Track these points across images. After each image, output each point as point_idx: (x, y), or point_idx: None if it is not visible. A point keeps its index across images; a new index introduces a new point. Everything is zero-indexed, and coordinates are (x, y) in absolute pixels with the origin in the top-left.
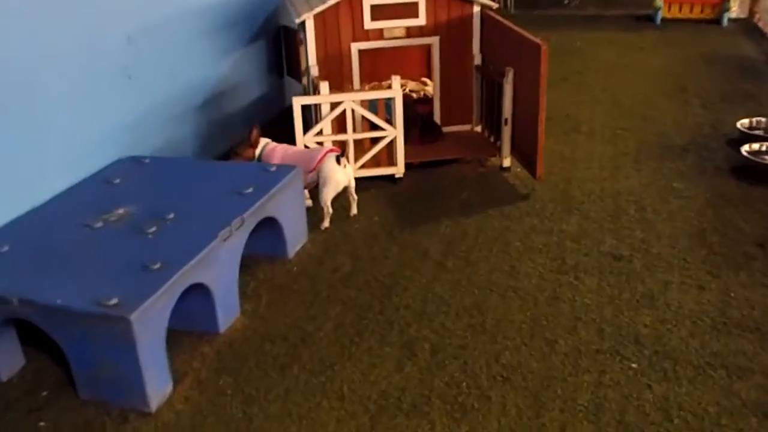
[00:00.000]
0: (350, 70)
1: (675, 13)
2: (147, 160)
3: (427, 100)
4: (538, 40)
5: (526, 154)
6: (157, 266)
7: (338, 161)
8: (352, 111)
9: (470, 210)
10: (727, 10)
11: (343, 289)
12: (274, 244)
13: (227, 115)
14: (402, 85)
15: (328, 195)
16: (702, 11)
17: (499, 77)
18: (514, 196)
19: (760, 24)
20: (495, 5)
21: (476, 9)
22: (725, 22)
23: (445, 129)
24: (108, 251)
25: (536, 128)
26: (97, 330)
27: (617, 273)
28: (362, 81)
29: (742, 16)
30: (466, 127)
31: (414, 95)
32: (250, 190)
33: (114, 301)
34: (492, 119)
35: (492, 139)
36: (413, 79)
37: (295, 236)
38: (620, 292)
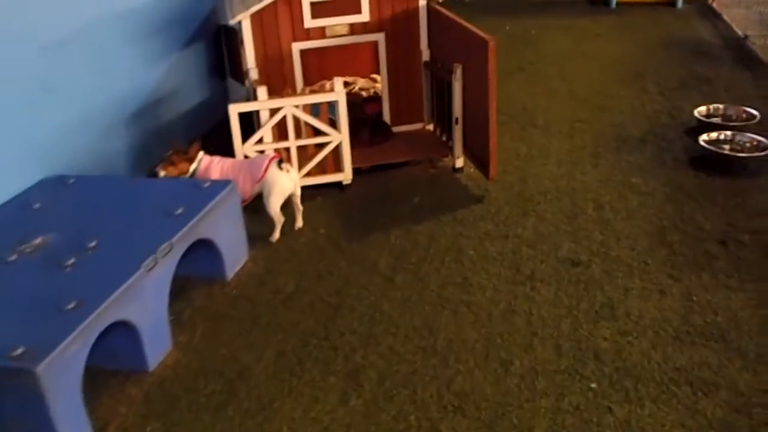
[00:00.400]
0: (292, 71)
1: None
2: (72, 180)
3: (377, 99)
4: (485, 35)
5: (478, 154)
6: (71, 306)
7: (280, 167)
8: (294, 117)
9: (422, 216)
10: None
11: (285, 312)
12: (211, 266)
13: (165, 124)
14: (351, 83)
15: (275, 203)
16: None
17: (447, 75)
18: (467, 199)
19: (715, 5)
20: None
21: (422, 2)
22: (680, 3)
23: (395, 129)
24: (19, 290)
25: (488, 127)
26: (2, 384)
27: (575, 281)
28: (309, 81)
29: None
30: (417, 126)
31: (363, 93)
32: (181, 210)
33: (20, 350)
34: (443, 117)
35: (444, 139)
36: (363, 77)
37: (234, 256)
38: (578, 302)
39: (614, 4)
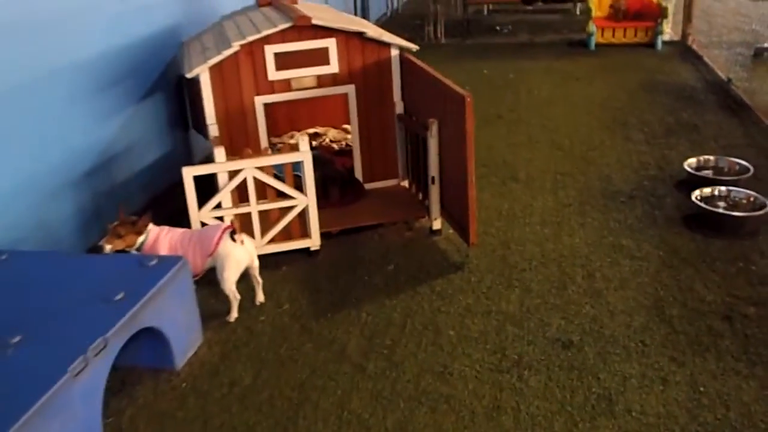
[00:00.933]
0: (256, 127)
1: (609, 38)
2: (4, 257)
3: (349, 152)
4: (461, 90)
5: (457, 216)
6: None
7: (233, 238)
8: (255, 179)
9: (396, 288)
10: (661, 33)
11: (240, 411)
12: (158, 354)
13: (119, 184)
14: (322, 135)
15: (230, 279)
16: (636, 35)
17: (422, 130)
18: (446, 266)
19: (694, 46)
20: (414, 47)
21: (394, 53)
22: (659, 45)
23: (368, 186)
24: None
25: (467, 188)
26: None
27: (567, 367)
28: (278, 131)
29: (675, 38)
30: (392, 183)
31: (335, 146)
32: (121, 295)
33: None
34: (419, 174)
35: (420, 197)
36: (335, 127)
37: (185, 342)
38: (572, 394)
39: (593, 46)
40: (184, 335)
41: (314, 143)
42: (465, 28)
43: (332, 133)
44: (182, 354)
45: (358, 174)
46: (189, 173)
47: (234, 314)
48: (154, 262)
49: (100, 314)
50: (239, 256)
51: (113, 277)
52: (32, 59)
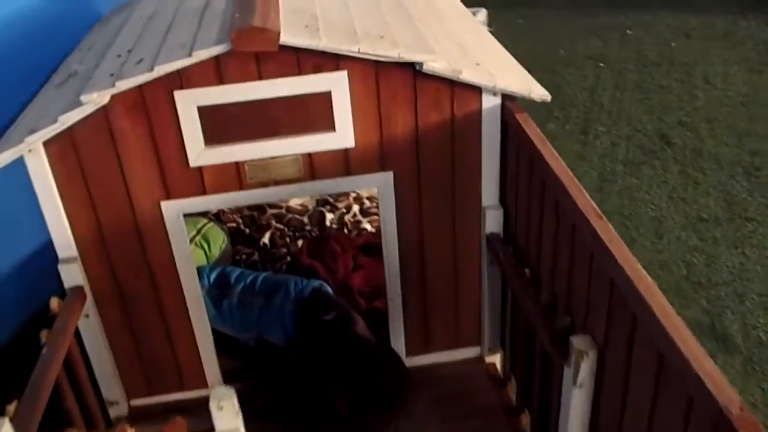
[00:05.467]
0: (172, 266)
1: None
2: None
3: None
4: (697, 348)
5: None
6: None
7: None
8: None
9: None
10: None
11: None
12: None
13: None
14: (343, 200)
15: None
16: None
17: (550, 344)
18: None
19: None
20: (543, 96)
21: (488, 104)
22: None
23: (417, 361)
24: None
25: None
26: None
27: None
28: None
29: None
30: (468, 354)
31: (367, 225)
32: None
33: None
34: (521, 351)
35: (523, 418)
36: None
37: None
38: None
39: None
40: None
41: (319, 227)
42: None
43: (359, 206)
44: None
45: (397, 339)
46: None
47: None
48: None
49: None
50: None
51: None
52: None
